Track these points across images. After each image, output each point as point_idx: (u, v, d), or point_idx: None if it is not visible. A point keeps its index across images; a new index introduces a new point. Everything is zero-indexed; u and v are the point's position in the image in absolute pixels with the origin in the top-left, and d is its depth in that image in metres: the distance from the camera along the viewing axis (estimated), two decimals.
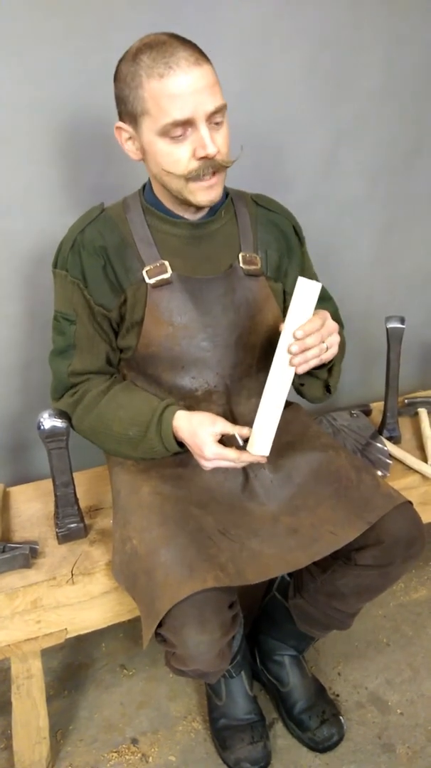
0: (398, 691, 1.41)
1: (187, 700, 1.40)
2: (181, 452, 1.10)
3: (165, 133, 1.00)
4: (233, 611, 1.02)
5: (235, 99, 1.47)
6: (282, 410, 1.02)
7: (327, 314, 1.03)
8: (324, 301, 1.32)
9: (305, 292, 0.99)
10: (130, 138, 1.07)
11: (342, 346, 1.23)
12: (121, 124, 1.06)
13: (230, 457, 1.03)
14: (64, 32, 1.31)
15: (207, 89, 0.98)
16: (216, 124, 1.02)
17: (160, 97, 0.98)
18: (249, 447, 1.03)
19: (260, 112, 1.55)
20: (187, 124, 0.99)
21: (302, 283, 0.99)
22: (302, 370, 1.00)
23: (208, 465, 1.06)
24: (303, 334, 0.98)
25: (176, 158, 1.02)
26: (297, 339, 0.98)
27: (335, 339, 1.05)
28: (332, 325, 1.04)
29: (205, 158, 1.01)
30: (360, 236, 1.81)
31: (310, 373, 1.13)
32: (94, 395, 1.14)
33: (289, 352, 0.99)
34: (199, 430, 1.04)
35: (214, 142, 1.01)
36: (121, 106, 1.04)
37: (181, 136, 1.01)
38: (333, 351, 1.05)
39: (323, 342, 1.01)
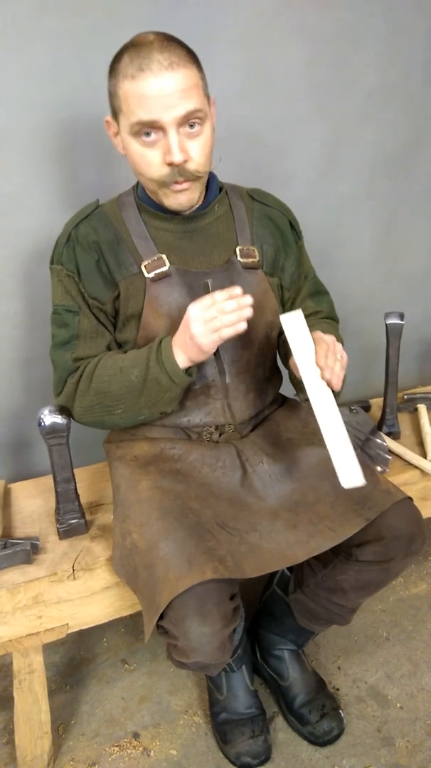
0: (398, 685, 1.41)
1: (188, 695, 1.41)
2: (189, 378, 1.06)
3: (135, 133, 1.01)
4: (234, 603, 1.03)
5: (234, 96, 1.48)
6: (343, 430, 1.01)
7: (322, 335, 1.06)
8: (320, 295, 1.32)
9: (293, 325, 1.01)
10: (117, 133, 1.08)
11: (339, 342, 1.23)
12: (109, 118, 1.08)
13: (207, 300, 0.98)
14: (63, 31, 1.32)
15: (177, 93, 0.98)
16: (192, 130, 1.02)
17: (129, 97, 0.99)
18: (343, 483, 0.98)
19: (259, 109, 1.55)
20: (157, 128, 1.00)
21: (285, 318, 1.02)
22: (340, 383, 1.04)
23: (204, 335, 0.99)
24: (325, 360, 1.02)
25: (147, 161, 1.03)
26: (322, 367, 1.02)
27: (340, 347, 1.07)
28: (332, 338, 1.07)
29: (171, 164, 1.02)
30: (359, 233, 1.82)
31: None
32: (93, 363, 1.13)
33: (323, 378, 1.02)
34: (185, 316, 1.01)
35: (183, 150, 1.01)
36: (110, 101, 1.06)
37: (152, 140, 1.01)
38: (345, 356, 1.08)
39: (338, 355, 1.04)
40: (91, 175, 1.44)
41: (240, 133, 1.52)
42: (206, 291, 1.06)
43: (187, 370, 1.06)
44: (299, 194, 1.62)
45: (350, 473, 0.98)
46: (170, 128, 0.99)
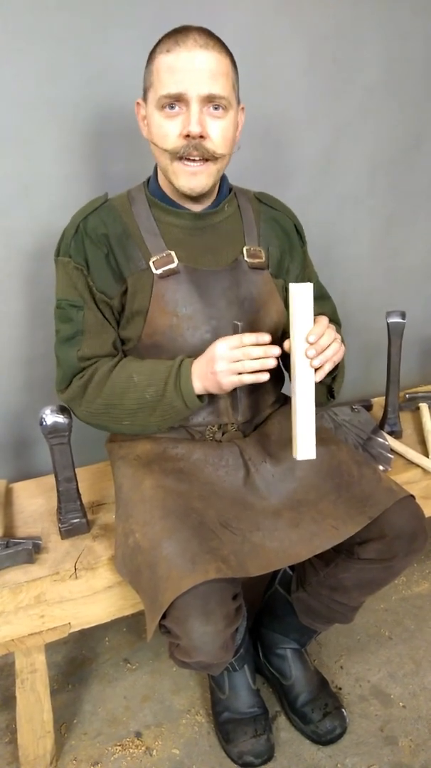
0: (400, 684, 1.41)
1: (191, 694, 1.41)
2: (201, 404, 1.07)
3: (160, 105, 1.04)
4: (237, 603, 1.03)
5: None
6: (314, 411, 1.03)
7: (326, 318, 1.05)
8: (323, 299, 1.32)
9: (300, 295, 1.01)
10: (144, 117, 1.10)
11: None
12: (140, 100, 1.10)
13: (235, 340, 1.00)
14: (65, 29, 1.32)
15: (206, 72, 1.01)
16: (215, 111, 1.04)
17: (161, 69, 1.03)
18: (294, 454, 1.03)
19: (260, 107, 1.54)
20: (181, 100, 1.02)
21: (294, 288, 1.01)
22: (327, 369, 1.02)
23: (226, 374, 1.00)
24: (316, 337, 1.00)
25: (165, 132, 1.05)
26: (311, 343, 1.00)
27: (338, 337, 1.06)
28: (333, 327, 1.06)
29: (188, 137, 1.03)
30: (360, 231, 1.81)
31: (321, 382, 1.14)
32: (104, 371, 1.11)
33: (307, 356, 1.00)
34: (211, 350, 1.02)
35: (202, 125, 1.03)
36: (144, 82, 1.09)
37: (174, 112, 1.04)
38: (343, 349, 1.07)
39: (336, 340, 1.03)
40: (93, 174, 1.44)
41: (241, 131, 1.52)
42: (235, 331, 1.06)
43: (200, 397, 1.07)
44: (299, 192, 1.62)
45: (307, 448, 1.03)
46: (193, 102, 1.02)
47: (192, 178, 1.07)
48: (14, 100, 1.32)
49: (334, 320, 1.34)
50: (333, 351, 1.02)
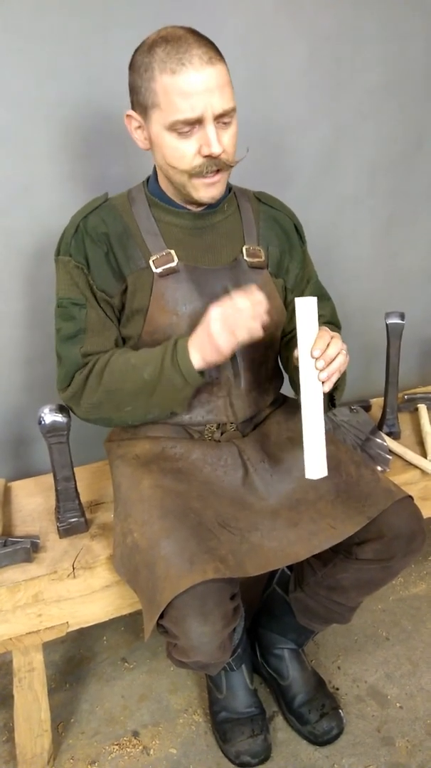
0: (397, 684, 1.41)
1: (188, 693, 1.41)
2: (203, 379, 1.05)
3: (173, 128, 1.01)
4: (234, 603, 1.03)
5: (236, 94, 1.47)
6: (323, 427, 1.02)
7: (328, 330, 1.03)
8: (322, 300, 1.32)
9: (306, 309, 1.00)
10: (139, 127, 1.08)
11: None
12: (131, 113, 1.07)
13: (228, 303, 0.98)
14: (65, 28, 1.32)
15: (218, 89, 0.99)
16: (225, 123, 1.03)
17: (171, 93, 0.99)
18: (307, 473, 1.01)
19: (260, 107, 1.55)
20: (195, 121, 1.00)
21: (300, 302, 1.00)
22: (334, 380, 1.01)
23: (222, 334, 0.98)
24: (321, 351, 0.99)
25: (181, 153, 1.03)
26: (316, 358, 0.99)
27: (344, 347, 1.05)
28: (338, 336, 1.05)
29: (209, 156, 1.03)
30: (360, 232, 1.82)
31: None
32: (104, 360, 1.11)
33: (317, 368, 1.00)
34: (205, 316, 1.00)
35: (220, 142, 1.02)
36: (133, 96, 1.05)
37: (188, 132, 1.02)
38: (348, 359, 1.05)
39: (341, 351, 1.02)
40: (92, 173, 1.44)
41: (240, 132, 1.52)
42: (226, 293, 1.05)
43: (201, 372, 1.05)
44: (299, 193, 1.62)
45: (317, 466, 1.01)
46: (209, 122, 1.01)
47: (211, 189, 1.08)
48: (14, 100, 1.32)
49: (334, 321, 1.34)
50: (339, 363, 1.01)
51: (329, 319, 1.33)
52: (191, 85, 0.98)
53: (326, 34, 1.55)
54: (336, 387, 1.18)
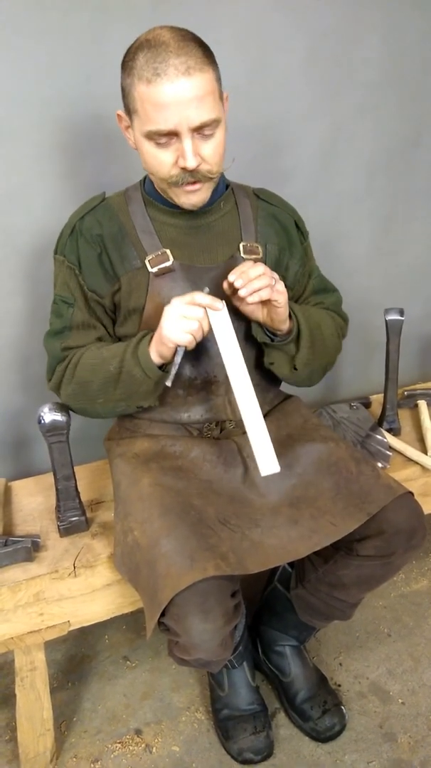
0: (399, 680, 1.42)
1: (190, 691, 1.41)
2: (162, 372, 1.06)
3: (150, 138, 1.01)
4: (236, 600, 1.03)
5: (234, 92, 1.46)
6: (261, 415, 1.03)
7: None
8: (326, 292, 1.31)
9: (218, 320, 1.02)
10: (128, 127, 1.07)
11: (328, 338, 1.22)
12: (121, 112, 1.07)
13: (187, 297, 1.01)
14: (62, 25, 1.31)
15: (194, 102, 0.96)
16: (205, 135, 1.01)
17: (146, 102, 0.98)
18: (261, 471, 1.02)
19: (259, 104, 1.54)
20: (171, 133, 0.99)
21: (213, 315, 1.02)
22: (253, 300, 1.02)
23: (171, 328, 1.00)
24: (237, 275, 1.01)
25: (159, 162, 1.03)
26: (231, 282, 1.02)
27: (278, 276, 1.06)
28: (272, 272, 1.05)
29: (185, 169, 1.02)
30: (359, 228, 1.81)
31: (279, 348, 1.13)
32: (80, 353, 1.14)
33: (233, 287, 1.02)
34: (165, 308, 1.03)
35: (197, 154, 1.01)
36: (123, 96, 1.05)
37: (165, 143, 1.01)
38: (280, 289, 1.05)
39: (264, 277, 1.02)
40: (91, 171, 1.44)
41: (238, 129, 1.52)
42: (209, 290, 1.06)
43: (163, 368, 1.06)
44: (298, 190, 1.61)
45: (267, 462, 1.02)
46: (185, 135, 0.99)
47: (191, 196, 1.08)
48: (11, 98, 1.32)
49: (339, 313, 1.32)
50: (261, 284, 1.01)
51: (336, 311, 1.32)
52: (164, 97, 0.96)
53: (325, 31, 1.54)
54: (299, 348, 1.16)
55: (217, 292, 1.08)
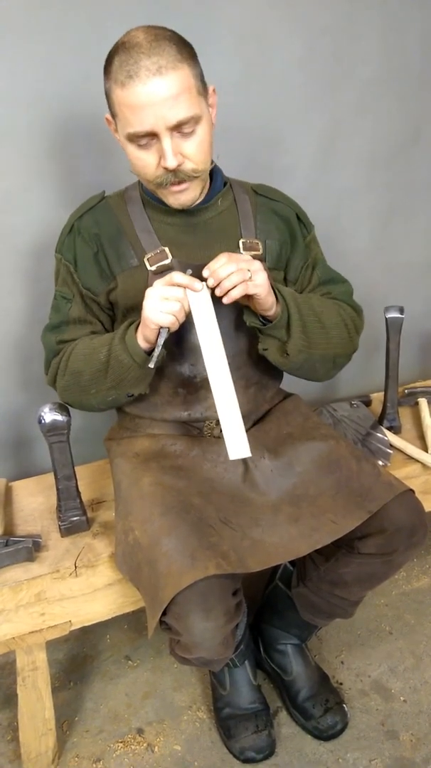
0: (401, 678, 1.42)
1: (192, 690, 1.41)
2: (149, 358, 1.04)
3: (131, 140, 1.02)
4: (237, 599, 1.03)
5: (233, 88, 1.47)
6: (236, 401, 1.01)
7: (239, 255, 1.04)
8: (334, 283, 1.28)
9: (197, 298, 1.01)
10: (116, 130, 1.08)
11: (331, 328, 1.18)
12: (109, 116, 1.08)
13: (166, 278, 1.00)
14: (60, 25, 1.31)
15: (168, 101, 0.96)
16: (186, 133, 1.01)
17: (122, 105, 0.99)
18: (230, 455, 1.01)
19: (257, 101, 1.54)
20: (150, 134, 0.99)
21: (191, 295, 1.01)
22: (227, 301, 1.01)
23: (151, 309, 0.99)
24: (210, 271, 1.00)
25: (143, 164, 1.04)
26: (205, 279, 1.00)
27: (257, 266, 1.03)
28: (248, 259, 1.03)
29: (167, 169, 1.02)
30: (358, 225, 1.81)
31: (269, 333, 1.11)
32: (73, 345, 1.15)
33: (208, 286, 1.00)
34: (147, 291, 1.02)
35: (178, 153, 1.01)
36: (106, 100, 1.05)
37: (146, 144, 1.01)
38: (261, 280, 1.03)
39: (235, 275, 1.00)
40: (89, 171, 1.44)
41: (237, 126, 1.52)
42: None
43: (149, 352, 1.05)
44: (297, 187, 1.60)
45: (237, 445, 1.00)
46: (163, 135, 0.99)
47: (179, 196, 1.08)
48: (11, 96, 1.32)
49: (351, 304, 1.28)
50: (235, 280, 0.99)
51: (345, 301, 1.27)
52: (138, 99, 0.96)
53: (323, 28, 1.54)
54: (290, 334, 1.11)
55: None
